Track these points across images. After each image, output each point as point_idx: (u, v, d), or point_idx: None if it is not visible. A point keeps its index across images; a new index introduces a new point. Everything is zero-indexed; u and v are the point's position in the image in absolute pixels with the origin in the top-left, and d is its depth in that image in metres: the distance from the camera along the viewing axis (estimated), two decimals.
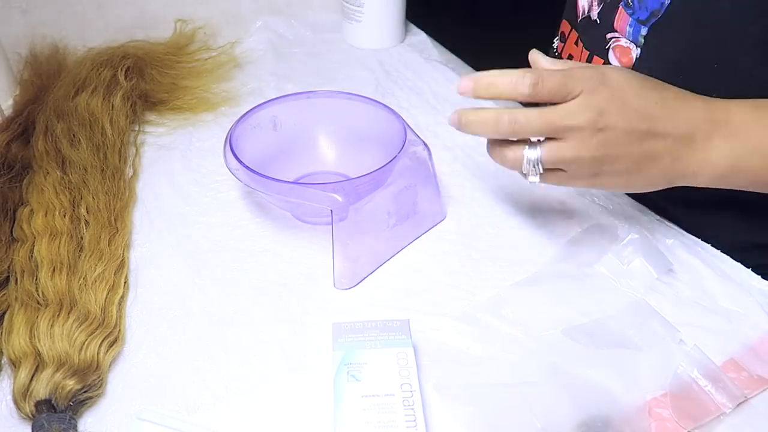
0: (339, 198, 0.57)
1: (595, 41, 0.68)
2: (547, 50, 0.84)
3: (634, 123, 0.51)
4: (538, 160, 0.52)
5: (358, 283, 0.60)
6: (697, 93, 0.58)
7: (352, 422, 0.47)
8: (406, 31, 0.97)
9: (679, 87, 0.59)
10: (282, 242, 0.64)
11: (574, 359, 0.53)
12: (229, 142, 0.62)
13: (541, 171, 0.53)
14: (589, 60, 0.69)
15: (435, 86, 0.86)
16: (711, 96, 0.58)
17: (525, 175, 0.54)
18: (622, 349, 0.54)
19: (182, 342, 0.55)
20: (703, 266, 0.62)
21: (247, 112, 0.67)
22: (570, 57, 0.72)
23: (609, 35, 0.66)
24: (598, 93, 0.50)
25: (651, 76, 0.62)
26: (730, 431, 0.50)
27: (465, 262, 0.63)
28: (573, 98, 0.51)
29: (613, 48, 0.66)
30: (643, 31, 0.63)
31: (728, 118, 0.54)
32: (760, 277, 0.61)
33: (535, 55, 0.56)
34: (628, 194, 0.70)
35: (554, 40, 0.80)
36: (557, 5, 0.83)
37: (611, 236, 0.64)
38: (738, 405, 0.51)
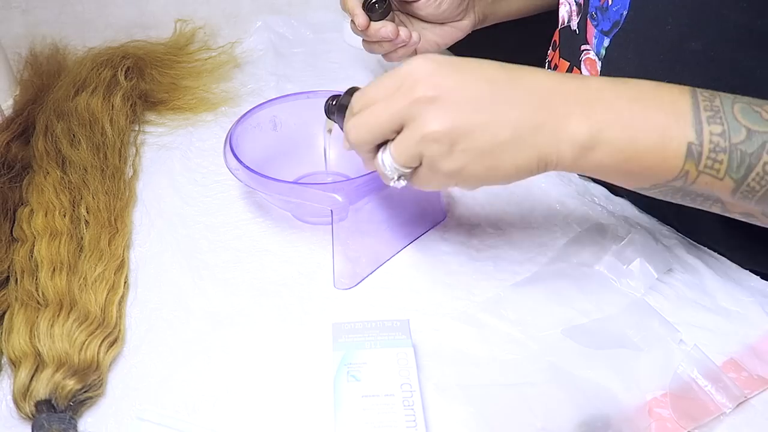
0: (339, 198, 0.57)
1: (572, 52, 0.67)
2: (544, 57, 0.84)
3: (480, 100, 0.46)
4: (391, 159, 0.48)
5: (358, 283, 0.60)
6: None
7: (352, 422, 0.47)
8: None
9: None
10: (282, 242, 0.64)
11: (574, 359, 0.54)
12: (229, 142, 0.62)
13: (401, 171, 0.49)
14: (569, 71, 0.68)
15: None
16: None
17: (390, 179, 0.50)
18: (622, 349, 0.54)
19: (182, 342, 0.55)
20: (703, 266, 0.62)
21: (247, 112, 0.67)
22: (555, 66, 0.72)
23: (582, 47, 0.65)
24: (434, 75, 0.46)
25: None
26: (730, 431, 0.50)
27: (465, 262, 0.63)
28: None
29: (584, 60, 0.65)
30: (606, 42, 0.62)
31: (585, 86, 0.47)
32: (760, 277, 0.61)
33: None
34: (629, 195, 0.70)
35: (549, 48, 0.79)
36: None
37: (611, 236, 0.64)
38: (738, 405, 0.51)
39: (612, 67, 0.62)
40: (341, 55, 0.94)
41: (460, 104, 0.45)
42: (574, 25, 0.66)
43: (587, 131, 0.46)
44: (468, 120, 0.45)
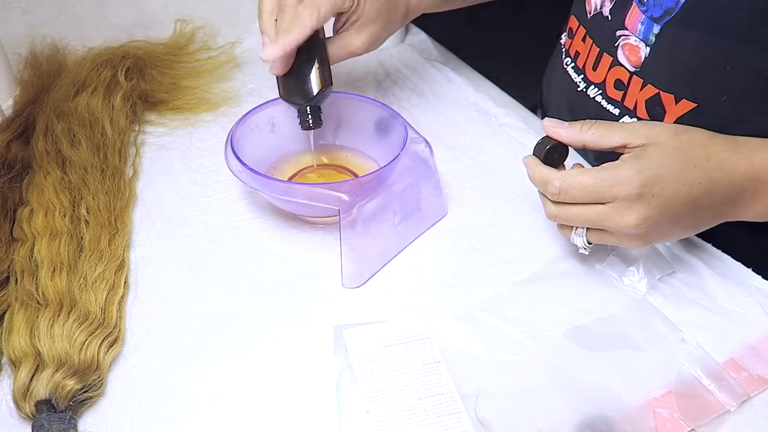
0: (345, 197, 0.57)
1: (604, 38, 0.67)
2: (549, 51, 0.84)
3: (678, 214, 0.53)
4: (583, 234, 0.57)
5: (365, 282, 0.60)
6: (706, 95, 0.59)
7: (355, 423, 0.47)
8: (406, 31, 0.96)
9: (687, 89, 0.60)
10: (282, 242, 0.64)
11: (576, 360, 0.54)
12: (231, 144, 0.62)
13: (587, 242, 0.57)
14: (598, 57, 0.68)
15: (435, 86, 0.85)
16: (719, 99, 0.58)
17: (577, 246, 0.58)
18: (625, 349, 0.54)
19: (182, 342, 0.55)
20: (704, 266, 0.62)
21: (248, 113, 0.67)
22: (577, 54, 0.72)
23: (619, 32, 0.66)
24: (638, 202, 0.52)
25: (659, 76, 0.62)
26: (731, 431, 0.50)
27: (465, 262, 0.63)
28: (608, 203, 0.53)
29: (621, 46, 0.66)
30: (656, 29, 0.62)
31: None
32: (760, 277, 0.61)
33: (546, 125, 0.57)
34: None
35: (561, 36, 0.79)
36: (557, 5, 0.82)
37: None
38: (741, 404, 0.51)
39: (662, 54, 0.63)
40: None
41: (660, 223, 0.53)
42: (606, 11, 0.67)
43: (762, 210, 0.57)
44: (663, 226, 0.54)
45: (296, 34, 0.61)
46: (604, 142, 0.54)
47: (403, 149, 0.62)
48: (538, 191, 0.58)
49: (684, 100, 0.62)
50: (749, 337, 0.56)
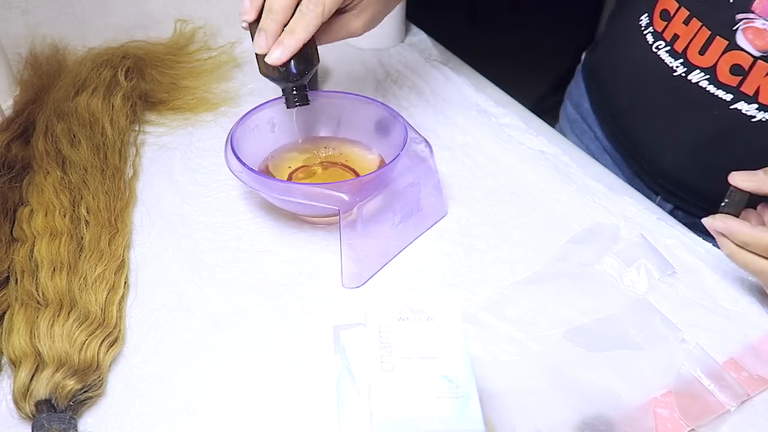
0: (345, 197, 0.57)
1: (719, 21, 0.64)
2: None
3: None
4: None
5: (365, 282, 0.60)
6: None
7: (355, 423, 0.47)
8: (406, 31, 0.96)
9: None
10: (282, 242, 0.64)
11: (576, 360, 0.54)
12: (231, 144, 0.62)
13: None
14: (709, 40, 0.65)
15: (435, 86, 0.86)
16: None
17: None
18: (625, 350, 0.54)
19: (182, 342, 0.55)
20: (703, 266, 0.62)
21: (248, 113, 0.67)
22: (675, 37, 0.69)
23: (740, 16, 0.62)
24: None
25: None
26: (731, 431, 0.50)
27: (465, 262, 0.63)
28: None
29: (743, 29, 0.62)
30: None
31: None
32: None
33: (740, 181, 0.56)
34: (630, 193, 0.70)
35: (642, 17, 0.74)
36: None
37: (612, 236, 0.64)
38: (741, 404, 0.51)
39: None
40: (341, 55, 0.93)
41: None
42: None
43: None
44: None
45: (301, 33, 0.59)
46: None
47: (403, 149, 0.62)
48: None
49: None
50: (749, 337, 0.56)
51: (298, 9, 0.59)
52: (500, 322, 0.57)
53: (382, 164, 0.67)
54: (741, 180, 0.56)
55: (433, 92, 0.85)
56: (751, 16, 0.62)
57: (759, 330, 0.57)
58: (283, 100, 0.64)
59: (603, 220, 0.66)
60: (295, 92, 0.63)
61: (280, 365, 0.54)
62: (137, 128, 0.77)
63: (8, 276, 0.58)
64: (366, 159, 0.69)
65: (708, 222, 0.57)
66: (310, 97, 0.64)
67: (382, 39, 0.93)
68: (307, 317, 0.58)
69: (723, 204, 0.57)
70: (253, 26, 0.62)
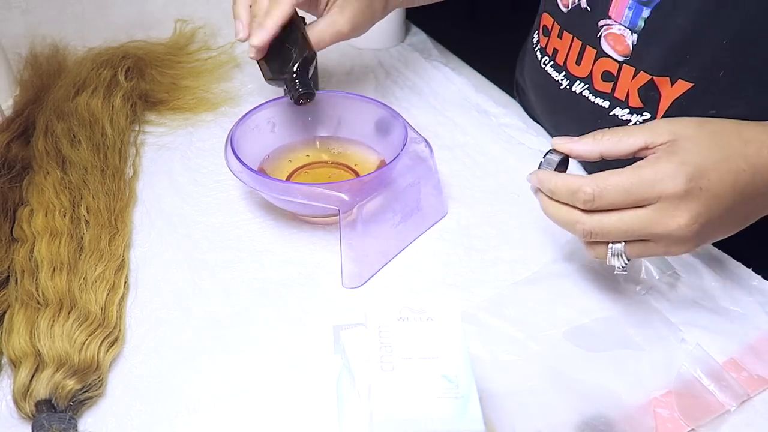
0: (345, 197, 0.57)
1: (585, 31, 0.66)
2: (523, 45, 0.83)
3: (727, 208, 0.49)
4: (621, 251, 0.51)
5: (365, 282, 0.60)
6: (702, 72, 0.58)
7: (355, 423, 0.47)
8: (406, 31, 0.96)
9: (682, 69, 0.59)
10: (282, 242, 0.64)
11: (576, 360, 0.54)
12: (231, 144, 0.62)
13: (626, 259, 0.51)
14: (581, 51, 0.67)
15: (435, 86, 0.86)
16: (717, 75, 0.57)
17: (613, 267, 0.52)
18: (625, 349, 0.54)
19: (182, 342, 0.55)
20: (703, 266, 0.62)
21: (248, 113, 0.67)
22: (555, 51, 0.71)
23: (601, 23, 0.64)
24: (686, 199, 0.47)
25: (651, 61, 0.61)
26: (731, 431, 0.50)
27: (465, 262, 0.63)
28: (650, 205, 0.48)
29: (605, 36, 0.64)
30: (645, 13, 0.61)
31: None
32: (760, 277, 0.61)
33: (558, 144, 0.53)
34: None
35: (534, 34, 0.77)
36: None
37: None
38: (741, 404, 0.51)
39: (653, 37, 0.61)
40: (341, 54, 0.93)
41: (711, 219, 0.48)
42: (584, 4, 0.66)
43: None
44: (714, 223, 0.49)
45: (277, 15, 0.63)
46: (622, 146, 0.50)
47: (403, 149, 0.62)
48: (561, 217, 0.52)
49: (680, 80, 0.61)
50: (749, 337, 0.56)
51: None
52: (500, 322, 0.57)
53: (382, 164, 0.67)
54: (560, 142, 0.54)
55: (433, 92, 0.85)
56: (609, 22, 0.64)
57: (759, 330, 0.57)
58: (289, 97, 0.65)
59: None
60: (299, 87, 0.64)
61: (280, 365, 0.54)
62: (137, 128, 0.77)
63: (8, 276, 0.58)
64: (366, 159, 0.69)
65: (528, 181, 0.55)
66: (314, 91, 0.65)
67: (382, 39, 0.93)
68: (307, 317, 0.58)
69: (539, 164, 0.54)
70: (260, 61, 0.67)
